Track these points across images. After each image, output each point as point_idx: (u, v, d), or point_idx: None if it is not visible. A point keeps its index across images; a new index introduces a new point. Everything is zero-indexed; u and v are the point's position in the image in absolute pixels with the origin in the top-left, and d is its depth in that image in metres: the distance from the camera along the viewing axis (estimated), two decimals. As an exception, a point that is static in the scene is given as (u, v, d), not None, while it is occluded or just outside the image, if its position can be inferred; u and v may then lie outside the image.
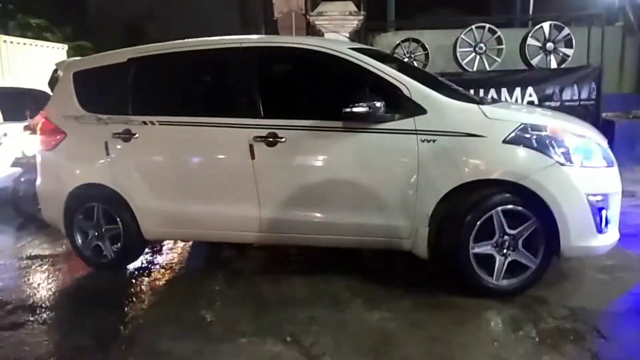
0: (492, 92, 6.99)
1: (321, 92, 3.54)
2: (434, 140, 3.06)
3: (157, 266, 4.08)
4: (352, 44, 4.78)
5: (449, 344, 2.62)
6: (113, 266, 3.98)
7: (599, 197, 2.97)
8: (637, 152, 7.02)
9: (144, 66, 3.86)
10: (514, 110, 3.50)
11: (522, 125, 3.00)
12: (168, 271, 3.98)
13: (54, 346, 2.89)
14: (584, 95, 7.14)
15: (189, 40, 3.89)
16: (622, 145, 6.98)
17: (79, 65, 4.15)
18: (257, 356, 2.60)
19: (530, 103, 6.96)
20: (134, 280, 3.78)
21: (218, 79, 3.82)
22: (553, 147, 2.96)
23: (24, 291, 3.66)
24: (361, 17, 7.34)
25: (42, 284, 3.80)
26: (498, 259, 3.06)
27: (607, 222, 3.03)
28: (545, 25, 7.31)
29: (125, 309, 3.29)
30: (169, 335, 2.89)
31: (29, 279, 3.91)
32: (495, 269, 3.05)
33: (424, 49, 7.86)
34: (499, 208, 3.00)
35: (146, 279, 3.81)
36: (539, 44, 7.36)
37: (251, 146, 3.39)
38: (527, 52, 7.33)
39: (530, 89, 7.02)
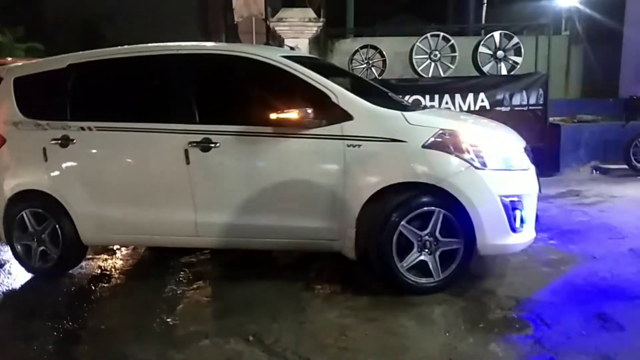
0: (447, 98, 7.22)
1: (253, 98, 3.61)
2: (359, 145, 3.19)
3: (116, 271, 4.07)
4: (286, 51, 4.94)
5: (404, 336, 2.76)
6: (53, 273, 3.97)
7: (513, 199, 3.14)
8: (581, 154, 7.43)
9: (83, 72, 3.89)
10: (434, 117, 3.67)
11: (441, 131, 3.16)
12: (126, 276, 3.99)
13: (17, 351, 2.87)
14: (532, 100, 7.46)
15: (127, 46, 3.95)
16: (568, 148, 7.42)
17: (19, 71, 4.14)
18: (220, 356, 2.66)
19: (482, 108, 7.24)
20: (91, 287, 3.76)
21: (154, 85, 3.86)
22: (468, 152, 3.12)
23: None
24: (320, 24, 7.50)
25: (-1, 293, 3.75)
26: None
27: (522, 222, 3.20)
28: (496, 35, 7.63)
29: (85, 315, 3.29)
30: (130, 340, 2.91)
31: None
32: (406, 258, 3.18)
33: (382, 55, 8.10)
34: (419, 210, 3.15)
35: (105, 285, 3.80)
36: (490, 52, 7.68)
37: (186, 151, 3.46)
38: (479, 60, 7.64)
39: (482, 95, 7.29)
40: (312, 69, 3.45)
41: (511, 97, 7.43)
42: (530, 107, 7.47)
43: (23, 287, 3.90)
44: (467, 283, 3.36)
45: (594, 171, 7.33)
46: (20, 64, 4.31)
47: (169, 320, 3.14)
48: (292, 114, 3.17)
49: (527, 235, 3.29)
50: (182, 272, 3.93)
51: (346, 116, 3.24)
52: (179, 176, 3.52)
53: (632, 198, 5.62)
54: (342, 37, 9.07)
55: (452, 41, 7.72)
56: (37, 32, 17.76)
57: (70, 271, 4.06)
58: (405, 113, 3.34)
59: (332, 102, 3.27)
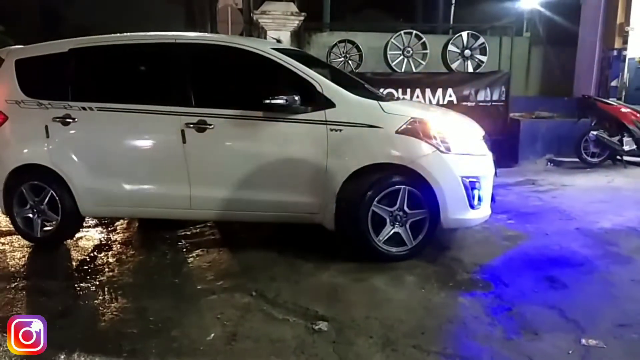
0: (418, 92, 7.67)
1: (246, 85, 4.02)
2: (340, 130, 3.61)
3: (116, 243, 4.39)
4: (276, 44, 5.32)
5: (387, 292, 3.23)
6: (50, 241, 4.26)
7: (472, 179, 3.60)
8: (538, 147, 8.02)
9: (84, 56, 4.18)
10: (407, 106, 4.19)
11: (412, 119, 3.61)
12: (126, 246, 4.30)
13: (40, 307, 3.19)
14: (495, 97, 8.00)
15: (127, 34, 4.27)
16: (526, 141, 8.00)
17: (21, 53, 4.37)
18: (228, 307, 3.06)
19: (450, 102, 7.74)
20: (95, 254, 4.08)
21: (153, 70, 4.19)
22: (435, 138, 3.58)
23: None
24: (302, 18, 7.86)
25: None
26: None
27: (479, 200, 3.67)
28: (464, 34, 8.15)
29: (95, 276, 3.62)
30: (144, 295, 3.28)
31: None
32: (382, 232, 3.61)
33: (358, 50, 8.53)
34: (390, 188, 3.58)
35: (109, 253, 4.12)
36: (458, 51, 8.20)
37: (182, 132, 3.80)
38: (447, 57, 8.15)
39: (450, 90, 7.77)
40: (298, 60, 3.85)
41: (476, 93, 7.92)
42: (493, 103, 7.99)
43: (32, 255, 4.18)
44: (438, 253, 3.86)
45: (549, 163, 7.88)
46: (20, 46, 4.52)
47: (176, 280, 3.52)
48: (281, 100, 3.57)
49: (483, 211, 3.78)
50: (179, 243, 4.29)
51: (329, 104, 3.65)
52: (176, 154, 3.86)
53: (581, 187, 6.25)
54: (320, 31, 9.46)
55: (424, 39, 8.22)
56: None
57: (75, 241, 4.38)
58: (381, 102, 3.78)
59: (317, 91, 3.67)
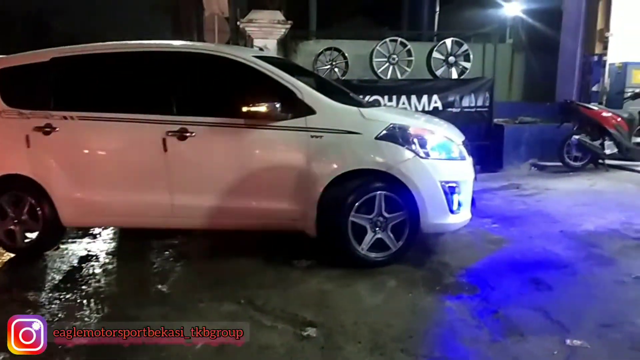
0: (404, 98, 7.71)
1: (227, 93, 4.00)
2: (321, 137, 3.64)
3: (102, 252, 4.35)
4: (258, 52, 5.35)
5: (375, 297, 3.27)
6: (31, 252, 4.21)
7: (452, 184, 3.65)
8: (522, 152, 8.13)
9: (66, 65, 4.15)
10: (386, 113, 4.23)
11: (391, 125, 3.66)
12: (112, 256, 4.28)
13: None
14: (480, 102, 8.06)
15: (109, 43, 4.26)
16: (510, 146, 8.10)
17: (3, 63, 4.34)
18: (217, 315, 3.06)
19: (436, 108, 7.80)
20: (82, 265, 4.04)
21: (135, 79, 4.16)
22: (414, 143, 3.62)
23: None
24: (288, 26, 7.91)
25: None
26: (369, 233, 3.64)
27: (459, 205, 3.71)
28: (448, 41, 8.25)
29: (82, 287, 3.58)
30: (133, 304, 3.26)
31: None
32: (364, 239, 3.63)
33: (344, 57, 8.61)
34: (377, 193, 3.60)
35: (94, 263, 4.09)
36: (443, 57, 8.30)
37: (164, 140, 3.80)
38: (432, 64, 8.25)
39: (435, 97, 7.83)
40: (281, 68, 3.87)
41: (461, 99, 7.97)
42: (478, 109, 8.06)
43: (14, 266, 4.14)
44: (424, 257, 3.90)
45: (532, 167, 7.99)
46: (2, 56, 4.50)
47: (163, 289, 3.51)
48: (262, 107, 3.59)
49: (463, 216, 3.81)
50: (166, 252, 4.28)
51: (310, 111, 3.67)
52: (157, 162, 3.85)
53: (564, 190, 6.35)
54: (306, 39, 9.52)
55: (409, 46, 8.32)
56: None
57: (60, 252, 4.34)
58: (361, 109, 3.83)
59: (298, 98, 3.69)
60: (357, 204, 3.60)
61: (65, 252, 4.36)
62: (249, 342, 2.69)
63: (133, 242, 4.65)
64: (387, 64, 8.26)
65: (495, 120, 8.22)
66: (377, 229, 3.66)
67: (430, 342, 2.73)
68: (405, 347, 2.61)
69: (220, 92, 4.06)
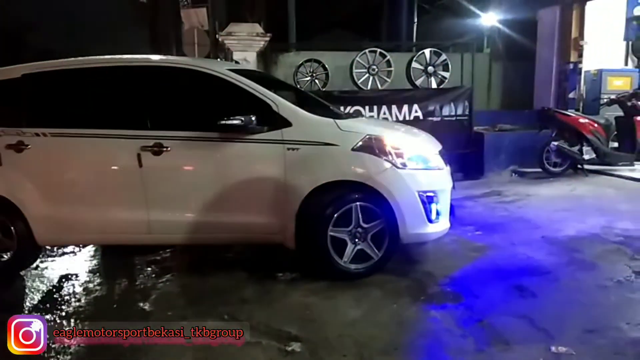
0: (384, 109, 7.71)
1: (202, 106, 3.95)
2: (297, 149, 3.61)
3: (83, 270, 4.27)
4: (232, 65, 5.35)
5: (360, 309, 3.23)
6: (7, 271, 4.09)
7: (429, 194, 3.64)
8: (502, 159, 8.20)
9: (37, 81, 4.06)
10: (363, 124, 4.22)
11: (368, 136, 3.65)
12: (94, 274, 4.19)
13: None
14: (459, 111, 8.11)
15: (81, 58, 4.18)
16: (490, 154, 8.17)
17: None
18: (201, 332, 2.98)
19: (416, 118, 7.83)
20: (61, 284, 3.96)
21: (108, 94, 4.09)
22: (391, 154, 3.61)
23: None
24: (267, 39, 7.92)
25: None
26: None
27: (437, 214, 3.69)
28: (427, 52, 8.36)
29: (62, 307, 3.50)
30: (112, 326, 3.17)
31: None
32: (345, 252, 3.60)
33: (325, 68, 8.64)
34: (353, 204, 3.57)
35: (75, 281, 4.00)
36: (422, 68, 8.39)
37: (139, 155, 3.74)
38: (412, 74, 8.32)
39: (415, 106, 7.84)
40: (257, 81, 3.84)
41: (441, 108, 8.01)
42: (458, 117, 8.12)
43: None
44: (408, 267, 3.89)
45: (513, 174, 8.04)
46: None
47: (145, 307, 3.44)
48: (237, 121, 3.55)
49: (442, 225, 3.78)
50: (148, 268, 4.20)
51: (285, 123, 3.65)
52: (132, 178, 3.79)
53: (545, 196, 6.41)
54: (286, 51, 9.54)
55: (388, 57, 8.38)
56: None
57: (39, 271, 4.24)
58: (338, 120, 3.81)
59: (273, 110, 3.67)
60: (335, 215, 3.57)
61: (45, 270, 4.27)
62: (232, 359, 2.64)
63: (115, 258, 4.56)
64: (367, 74, 8.30)
65: (475, 128, 8.28)
66: (357, 240, 3.63)
67: (416, 354, 2.72)
68: (390, 359, 2.58)
69: (195, 105, 4.00)
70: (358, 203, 3.59)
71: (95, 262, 4.51)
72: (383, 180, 3.57)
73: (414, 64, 8.31)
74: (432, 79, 8.41)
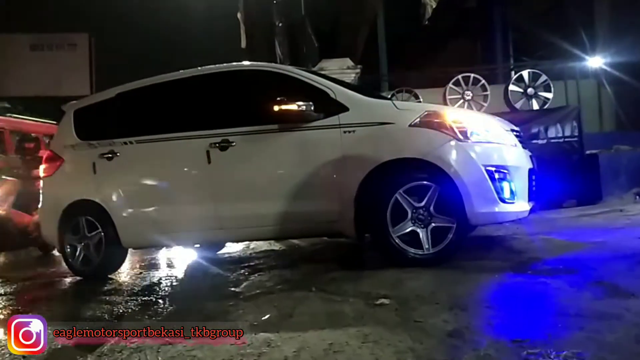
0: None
1: (264, 101, 3.81)
2: (353, 131, 3.51)
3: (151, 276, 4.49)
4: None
5: (456, 276, 2.95)
6: (96, 275, 4.36)
7: (500, 170, 3.29)
8: (622, 181, 7.41)
9: (128, 98, 4.50)
10: (425, 104, 3.98)
11: (426, 112, 3.45)
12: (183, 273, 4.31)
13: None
14: (567, 132, 7.68)
15: (163, 75, 4.46)
16: (608, 176, 7.43)
17: (77, 104, 4.86)
18: (287, 299, 2.92)
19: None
20: (154, 284, 4.14)
21: (183, 100, 4.38)
22: (451, 128, 3.33)
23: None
24: (358, 71, 8.14)
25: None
26: (420, 232, 3.30)
27: (512, 193, 3.32)
28: (525, 73, 8.06)
29: (161, 293, 3.64)
30: (209, 298, 3.18)
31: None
32: (421, 239, 3.28)
33: (417, 97, 8.54)
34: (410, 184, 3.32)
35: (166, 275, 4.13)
36: (521, 90, 8.05)
37: (207, 152, 3.89)
38: (510, 97, 8.01)
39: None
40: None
41: (546, 130, 7.64)
42: (566, 139, 7.68)
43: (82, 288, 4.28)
44: (511, 255, 3.60)
45: (637, 197, 7.29)
46: (76, 101, 5.01)
47: (236, 289, 3.44)
48: (294, 105, 3.55)
49: (518, 206, 3.38)
50: (241, 270, 4.23)
51: (343, 108, 3.59)
52: (202, 174, 3.97)
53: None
54: (378, 82, 9.67)
55: (483, 81, 8.19)
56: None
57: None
58: (396, 102, 3.72)
59: (330, 97, 3.65)
60: (400, 190, 3.33)
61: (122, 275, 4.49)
62: (317, 312, 2.51)
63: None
64: (462, 100, 8.13)
65: (587, 151, 7.69)
66: (418, 221, 3.32)
67: (516, 306, 2.39)
68: (490, 305, 2.31)
69: (257, 101, 4.04)
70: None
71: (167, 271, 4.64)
72: (443, 154, 3.29)
73: (512, 87, 8.01)
74: (533, 100, 8.02)
